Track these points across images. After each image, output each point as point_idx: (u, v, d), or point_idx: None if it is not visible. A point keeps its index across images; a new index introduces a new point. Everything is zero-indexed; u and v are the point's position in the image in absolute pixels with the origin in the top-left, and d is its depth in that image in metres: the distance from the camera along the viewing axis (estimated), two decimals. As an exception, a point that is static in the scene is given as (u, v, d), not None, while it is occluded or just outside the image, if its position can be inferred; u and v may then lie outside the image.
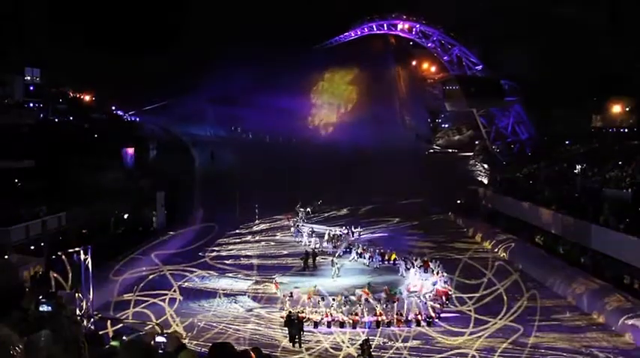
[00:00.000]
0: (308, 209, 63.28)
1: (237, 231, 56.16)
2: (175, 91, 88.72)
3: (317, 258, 43.76)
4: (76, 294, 22.59)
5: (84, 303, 22.69)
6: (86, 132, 68.57)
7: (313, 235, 51.53)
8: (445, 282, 36.05)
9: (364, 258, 44.64)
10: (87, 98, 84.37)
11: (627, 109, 76.72)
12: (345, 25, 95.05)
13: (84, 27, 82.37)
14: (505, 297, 31.26)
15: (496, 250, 47.71)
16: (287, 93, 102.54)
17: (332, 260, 42.33)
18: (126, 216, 51.50)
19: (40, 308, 7.10)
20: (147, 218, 53.90)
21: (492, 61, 76.60)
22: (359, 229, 54.72)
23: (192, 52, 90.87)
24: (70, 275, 26.00)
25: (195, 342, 25.90)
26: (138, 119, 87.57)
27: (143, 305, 30.06)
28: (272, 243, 51.67)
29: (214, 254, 46.13)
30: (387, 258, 44.35)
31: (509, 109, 76.52)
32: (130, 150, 62.49)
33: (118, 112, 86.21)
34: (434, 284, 35.84)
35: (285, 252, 47.74)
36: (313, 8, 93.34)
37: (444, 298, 34.24)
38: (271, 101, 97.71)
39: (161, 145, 75.07)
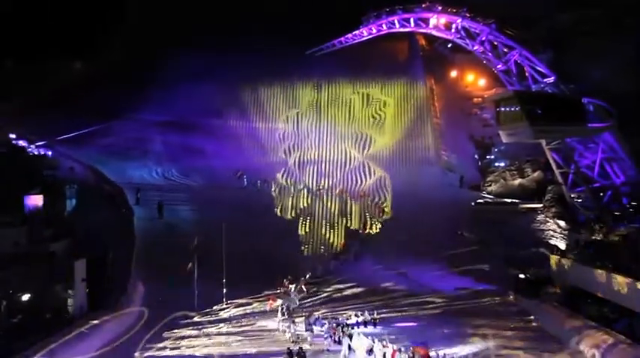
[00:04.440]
0: (298, 287, 61.91)
1: (195, 318, 54.82)
2: (106, 113, 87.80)
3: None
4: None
5: None
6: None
7: (310, 324, 50.75)
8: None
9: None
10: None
11: None
12: (353, 20, 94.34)
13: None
14: None
15: (585, 352, 45.77)
16: (266, 117, 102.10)
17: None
18: (25, 298, 49.43)
19: None
20: (59, 299, 51.74)
21: (569, 70, 75.72)
22: (374, 316, 53.78)
23: (131, 56, 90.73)
24: None
25: None
26: (50, 153, 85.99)
27: None
28: (246, 338, 49.92)
29: (157, 353, 44.64)
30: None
31: (595, 140, 75.07)
32: (37, 199, 60.64)
33: (19, 143, 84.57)
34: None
35: (255, 351, 46.42)
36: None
37: None
38: (244, 128, 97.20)
39: (84, 191, 73.31)
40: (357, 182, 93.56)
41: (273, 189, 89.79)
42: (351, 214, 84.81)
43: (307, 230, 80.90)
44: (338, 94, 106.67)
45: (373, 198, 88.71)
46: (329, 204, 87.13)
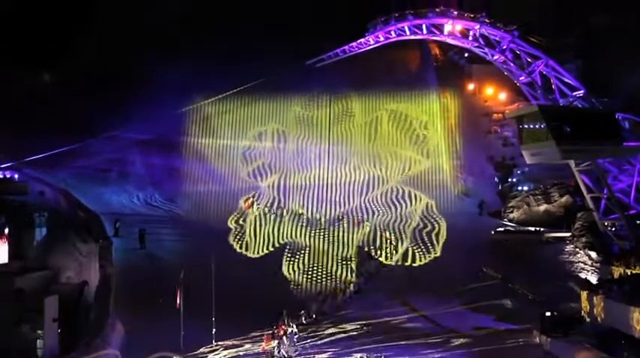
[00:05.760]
0: (294, 326, 61.41)
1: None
2: (80, 131, 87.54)
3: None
4: None
5: None
6: None
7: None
8: None
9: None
10: None
11: None
12: (357, 27, 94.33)
13: None
14: None
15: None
16: (263, 135, 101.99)
17: None
18: (-13, 341, 49.24)
19: None
20: (26, 341, 51.37)
21: (601, 82, 75.47)
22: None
23: (108, 65, 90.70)
24: None
25: None
26: (16, 176, 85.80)
27: None
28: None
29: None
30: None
31: (631, 161, 74.66)
32: (1, 228, 60.46)
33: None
34: None
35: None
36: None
37: None
38: (235, 147, 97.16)
39: (55, 219, 72.95)
40: (384, 210, 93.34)
41: (285, 217, 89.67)
42: (378, 245, 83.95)
43: (310, 263, 79.73)
44: (345, 110, 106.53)
45: (424, 226, 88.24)
46: (339, 234, 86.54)
